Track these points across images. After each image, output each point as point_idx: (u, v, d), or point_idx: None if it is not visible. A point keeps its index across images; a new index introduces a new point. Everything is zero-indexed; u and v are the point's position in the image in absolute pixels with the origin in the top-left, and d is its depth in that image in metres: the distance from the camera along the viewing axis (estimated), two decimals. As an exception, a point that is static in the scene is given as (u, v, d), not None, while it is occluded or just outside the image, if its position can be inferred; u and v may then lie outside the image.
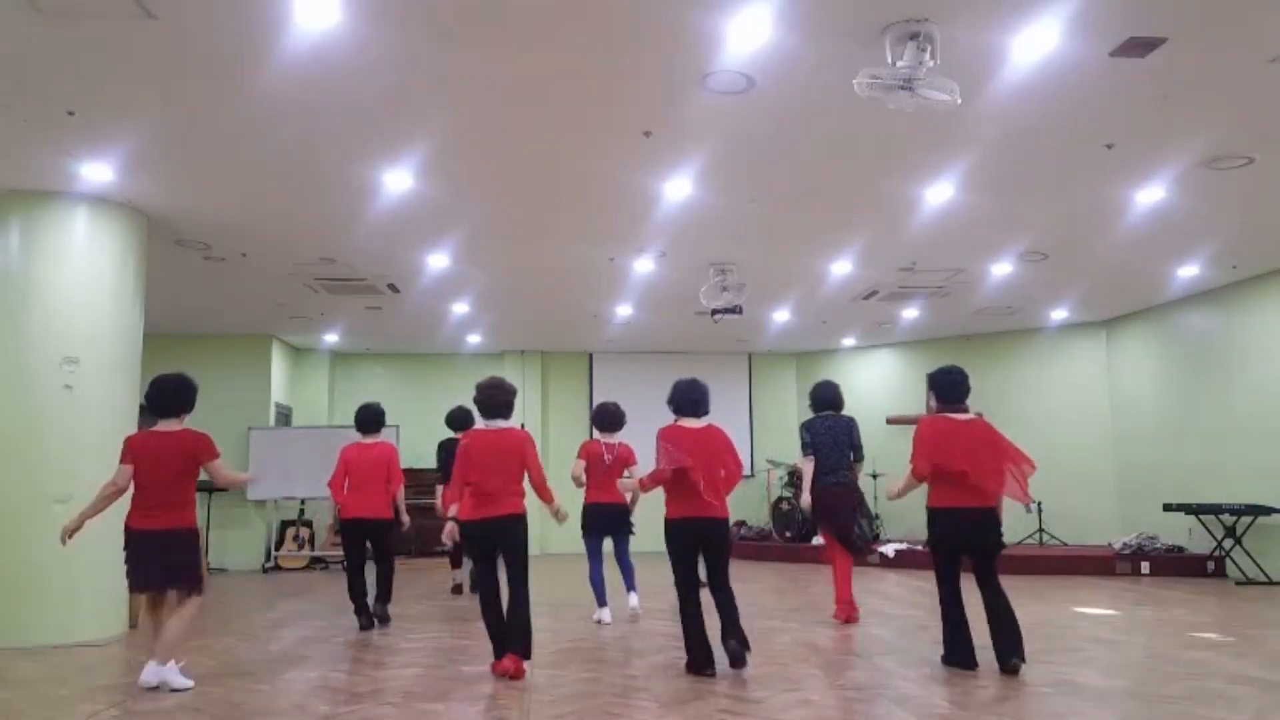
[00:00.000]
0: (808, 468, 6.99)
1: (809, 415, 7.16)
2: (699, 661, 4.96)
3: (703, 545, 5.08)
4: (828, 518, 7.00)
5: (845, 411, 7.11)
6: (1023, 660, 4.87)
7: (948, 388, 5.24)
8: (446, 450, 8.09)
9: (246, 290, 9.36)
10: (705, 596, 5.08)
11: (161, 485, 4.76)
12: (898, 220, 7.20)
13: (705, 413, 5.27)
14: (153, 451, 4.77)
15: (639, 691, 4.60)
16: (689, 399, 5.23)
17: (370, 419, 6.97)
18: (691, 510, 4.99)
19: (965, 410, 5.22)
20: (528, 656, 4.97)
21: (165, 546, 4.74)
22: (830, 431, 6.97)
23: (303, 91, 4.83)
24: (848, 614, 6.83)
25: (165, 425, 4.87)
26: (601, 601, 6.87)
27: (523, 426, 6.07)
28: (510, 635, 4.95)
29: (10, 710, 4.36)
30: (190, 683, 4.75)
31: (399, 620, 7.03)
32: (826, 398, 7.08)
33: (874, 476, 12.09)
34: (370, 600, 6.77)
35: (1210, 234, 7.62)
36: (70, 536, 4.77)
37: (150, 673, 4.68)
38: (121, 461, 4.78)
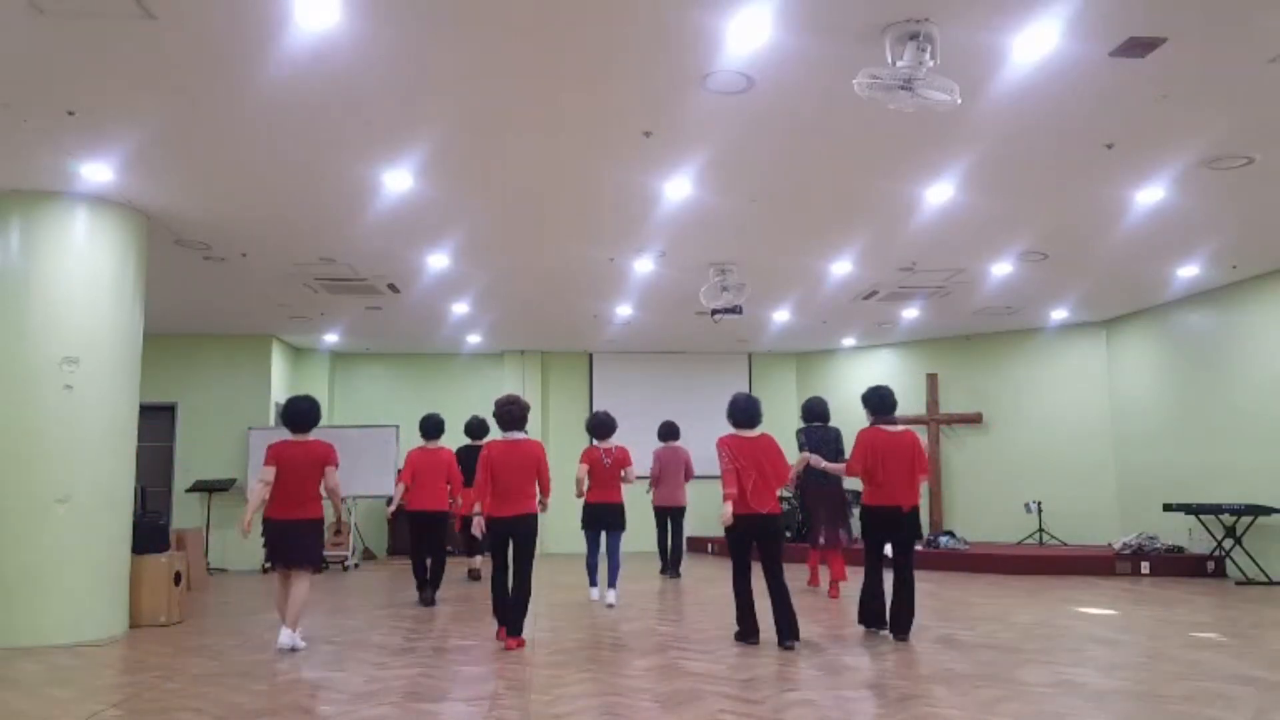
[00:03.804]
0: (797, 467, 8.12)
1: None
2: (746, 631, 5.96)
3: (756, 537, 5.89)
4: (816, 512, 8.45)
5: (846, 413, 8.38)
6: (907, 635, 6.00)
7: (878, 404, 6.24)
8: (464, 456, 9.03)
9: (246, 290, 9.36)
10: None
11: (296, 484, 5.90)
12: (898, 220, 7.20)
13: (759, 422, 6.10)
14: (290, 456, 5.92)
15: (639, 691, 4.61)
16: (745, 413, 6.07)
17: (433, 428, 8.40)
18: (746, 508, 5.84)
19: (894, 423, 6.21)
20: (520, 631, 5.93)
21: (296, 532, 5.90)
22: (821, 441, 8.31)
23: (303, 91, 4.83)
24: (823, 584, 8.38)
25: (298, 437, 6.02)
26: (593, 583, 8.08)
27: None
28: (510, 613, 5.90)
29: (10, 710, 4.37)
30: (305, 644, 5.98)
31: (399, 620, 7.05)
32: (817, 411, 8.51)
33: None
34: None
35: (1210, 234, 7.62)
36: (249, 530, 5.81)
37: (286, 637, 5.81)
38: (265, 464, 5.91)
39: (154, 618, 6.92)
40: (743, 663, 5.31)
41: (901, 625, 6.00)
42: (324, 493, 6.04)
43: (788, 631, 5.78)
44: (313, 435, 6.09)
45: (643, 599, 8.12)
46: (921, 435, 12.70)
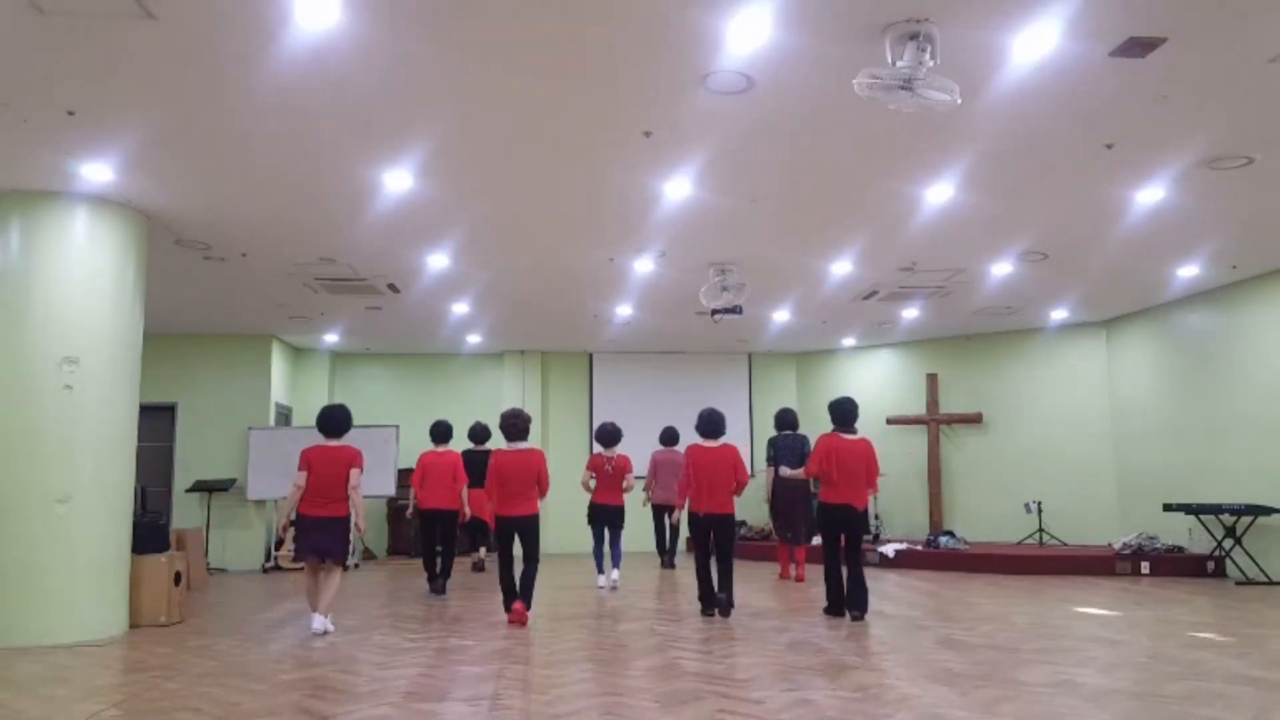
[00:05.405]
0: (770, 473, 9.69)
1: (819, 415, 9.40)
2: (704, 603, 7.15)
3: (712, 532, 7.05)
4: (787, 513, 9.58)
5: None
6: (865, 613, 6.79)
7: (840, 415, 7.02)
8: (468, 460, 9.47)
9: (246, 290, 9.36)
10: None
11: (327, 484, 6.46)
12: (898, 220, 7.20)
13: (720, 434, 7.12)
14: (322, 459, 6.49)
15: (639, 691, 4.61)
16: (707, 425, 7.14)
17: (442, 432, 8.96)
18: (703, 508, 7.00)
19: (853, 431, 7.00)
20: (529, 607, 6.76)
21: (327, 528, 6.44)
22: (790, 447, 9.36)
23: (303, 92, 4.83)
24: (792, 574, 9.59)
25: (330, 442, 6.61)
26: (600, 571, 9.07)
27: None
28: (520, 593, 6.75)
29: (10, 710, 4.37)
30: (334, 628, 6.59)
31: (399, 619, 7.05)
32: (787, 420, 9.56)
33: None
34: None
35: (1210, 234, 7.62)
36: (284, 532, 6.56)
37: (318, 622, 6.40)
38: (300, 468, 6.48)
39: (154, 618, 6.92)
40: (742, 663, 5.31)
41: (858, 605, 6.76)
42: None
43: (724, 604, 6.96)
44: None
45: (643, 598, 8.13)
46: (922, 435, 12.75)
